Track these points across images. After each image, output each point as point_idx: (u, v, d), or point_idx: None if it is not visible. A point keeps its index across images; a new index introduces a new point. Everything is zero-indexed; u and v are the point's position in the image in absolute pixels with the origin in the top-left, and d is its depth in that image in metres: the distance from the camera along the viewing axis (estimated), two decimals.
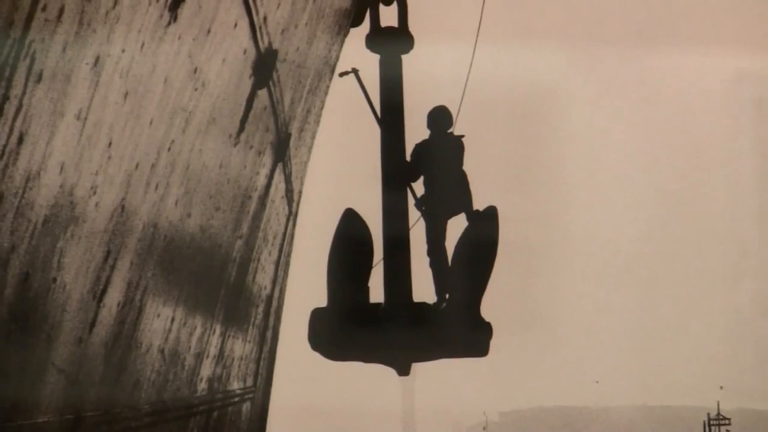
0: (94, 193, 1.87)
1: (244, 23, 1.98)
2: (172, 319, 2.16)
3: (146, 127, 1.93)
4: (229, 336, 2.57)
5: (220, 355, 2.44)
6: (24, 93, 1.80)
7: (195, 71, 1.92)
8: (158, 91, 1.93)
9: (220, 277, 2.34)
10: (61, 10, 1.59)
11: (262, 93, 2.37)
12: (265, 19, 2.13)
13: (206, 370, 2.37)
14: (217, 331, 2.44)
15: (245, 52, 1.98)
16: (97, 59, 1.78)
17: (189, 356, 2.14)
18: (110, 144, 1.89)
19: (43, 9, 1.59)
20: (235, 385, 2.78)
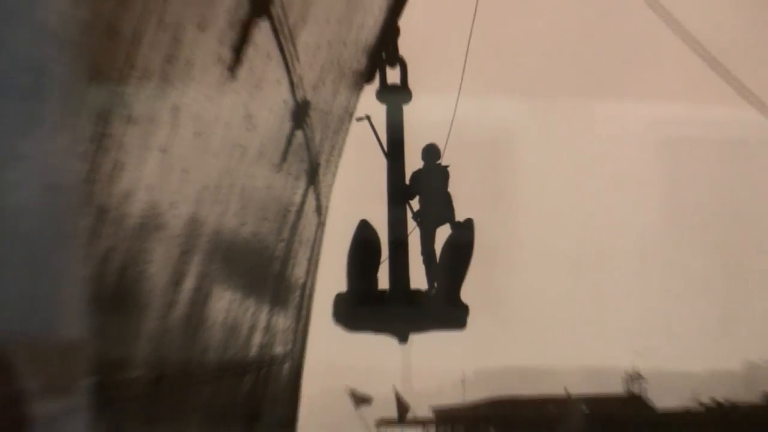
0: (173, 207, 1.91)
1: (285, 81, 2.00)
2: (231, 301, 2.18)
3: (211, 158, 1.96)
4: (273, 313, 2.56)
5: (267, 327, 2.43)
6: (121, 132, 1.82)
7: (248, 117, 1.95)
8: (220, 131, 1.98)
9: (267, 270, 2.33)
10: (148, 70, 1.60)
11: (299, 133, 2.40)
12: (300, 78, 2.15)
13: (257, 338, 2.37)
14: (265, 310, 2.44)
15: (285, 102, 1.99)
16: (175, 106, 1.81)
17: (244, 328, 2.15)
18: (185, 170, 1.93)
19: (134, 68, 1.60)
20: (278, 350, 2.78)
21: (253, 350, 1.95)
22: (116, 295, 1.85)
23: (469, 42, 1.70)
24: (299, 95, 1.87)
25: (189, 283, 1.80)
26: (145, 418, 1.86)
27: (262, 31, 1.71)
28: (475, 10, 1.89)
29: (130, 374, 1.89)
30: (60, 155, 1.57)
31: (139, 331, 1.85)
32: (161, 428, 1.85)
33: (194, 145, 1.70)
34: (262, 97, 1.81)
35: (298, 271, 2.31)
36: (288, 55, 1.75)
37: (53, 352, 1.59)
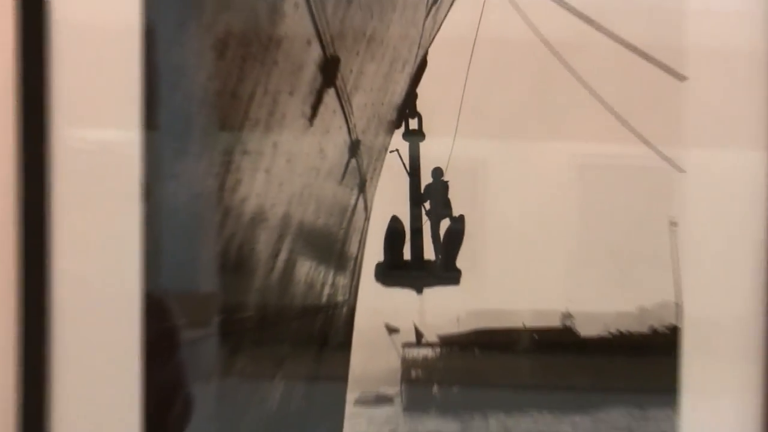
0: (272, 208, 1.94)
1: (344, 128, 2.04)
2: (310, 267, 2.25)
3: (297, 177, 2.00)
4: (336, 275, 2.64)
5: (332, 284, 2.48)
6: (239, 159, 1.83)
7: (321, 150, 2.00)
8: (303, 159, 1.99)
9: (333, 247, 2.38)
10: (257, 120, 1.60)
11: (353, 161, 2.48)
12: (354, 126, 2.21)
13: (326, 291, 2.41)
14: (331, 273, 2.50)
15: (345, 141, 2.04)
16: (274, 143, 1.82)
17: (318, 285, 2.21)
18: (280, 184, 1.97)
19: (248, 119, 1.60)
20: (340, 299, 2.86)
21: (324, 299, 1.96)
22: (236, 264, 1.91)
23: (461, 104, 1.74)
24: (353, 137, 1.91)
25: (282, 256, 1.83)
26: (253, 343, 1.92)
27: (330, 96, 1.76)
28: (465, 84, 1.91)
29: (244, 314, 1.92)
30: (200, 175, 1.57)
31: (250, 287, 1.89)
32: (264, 349, 1.90)
33: (286, 168, 1.73)
34: (329, 138, 1.82)
35: (353, 248, 2.31)
36: (346, 111, 1.78)
37: (195, 300, 1.65)
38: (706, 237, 1.71)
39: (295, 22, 1.57)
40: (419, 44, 1.64)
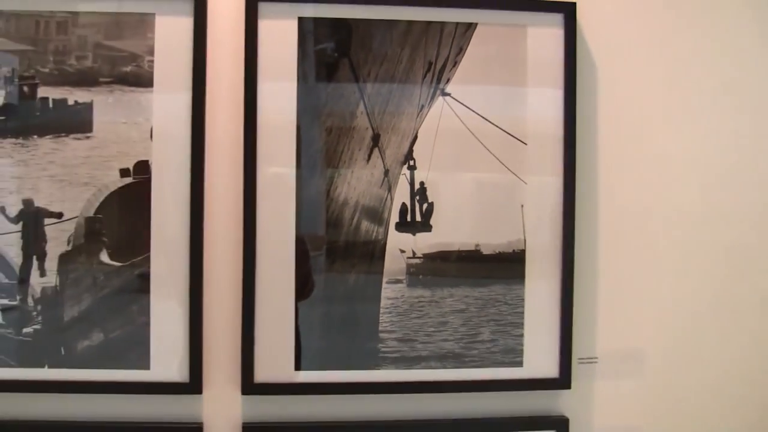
0: (350, 198, 2.28)
1: (381, 164, 2.21)
2: (367, 224, 2.19)
3: (361, 185, 2.33)
4: (379, 228, 2.66)
5: (377, 232, 2.53)
6: (336, 179, 2.30)
7: (371, 174, 2.31)
8: (364, 177, 2.33)
9: (377, 215, 2.48)
10: (344, 161, 2.22)
11: (385, 179, 2.38)
12: (386, 163, 2.21)
13: (374, 235, 2.50)
14: (377, 227, 2.53)
15: (381, 170, 2.07)
16: (351, 171, 2.34)
17: (370, 232, 2.12)
18: (354, 188, 2.29)
19: (341, 161, 2.22)
20: (380, 238, 2.78)
21: (373, 237, 2.21)
22: (334, 222, 2.23)
23: (432, 155, 2.03)
24: (386, 168, 2.20)
25: (355, 219, 2.26)
26: (341, 257, 2.28)
27: (375, 151, 2.25)
28: (433, 145, 2.15)
29: (337, 244, 2.26)
30: (319, 185, 2.22)
31: (340, 232, 2.24)
32: (346, 260, 2.27)
33: (356, 181, 2.26)
34: (375, 168, 2.27)
35: (386, 216, 2.51)
36: (383, 157, 2.27)
37: (316, 238, 2.21)
38: (539, 206, 2.28)
39: (361, 119, 2.22)
40: (414, 127, 2.25)
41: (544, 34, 2.24)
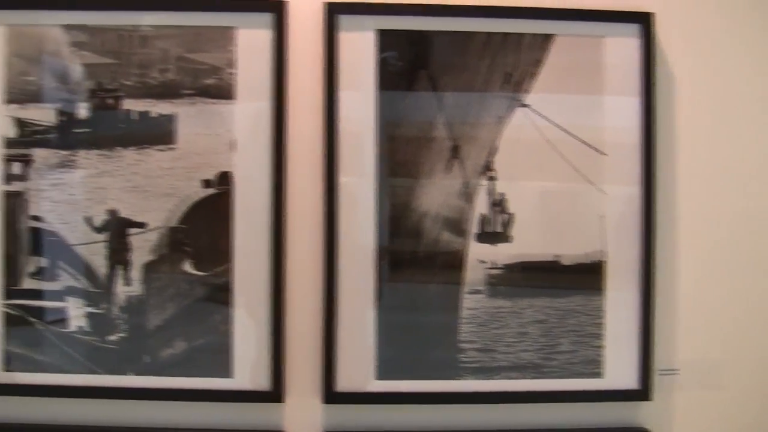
0: (431, 209, 2.28)
1: (461, 175, 2.19)
2: (448, 234, 2.17)
3: (441, 195, 2.32)
4: (459, 237, 2.45)
5: (457, 242, 2.44)
6: (419, 190, 2.29)
7: (451, 184, 2.29)
8: (444, 188, 2.32)
9: (457, 226, 2.25)
10: (426, 172, 2.21)
11: (465, 189, 1.60)
12: (466, 174, 2.17)
13: (454, 245, 2.22)
14: (457, 237, 2.46)
15: (462, 180, 1.97)
16: (433, 181, 2.32)
17: (451, 242, 1.84)
18: (434, 198, 2.30)
19: (423, 171, 2.21)
20: (460, 248, 2.54)
21: (453, 248, 2.14)
22: (416, 232, 2.21)
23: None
24: (465, 179, 2.08)
25: (435, 229, 2.23)
26: (423, 266, 2.26)
27: (455, 162, 2.23)
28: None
29: (419, 253, 2.24)
30: (401, 196, 2.28)
31: (421, 242, 2.23)
32: (427, 270, 2.26)
33: (437, 191, 2.24)
34: (455, 179, 2.24)
35: (466, 227, 2.39)
36: (463, 168, 2.24)
37: (399, 248, 2.22)
38: (618, 216, 2.25)
39: (440, 130, 2.20)
40: (493, 138, 2.22)
41: (621, 44, 2.23)
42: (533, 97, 2.22)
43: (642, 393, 2.25)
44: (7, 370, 2.20)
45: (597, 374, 2.24)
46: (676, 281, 2.27)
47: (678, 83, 2.26)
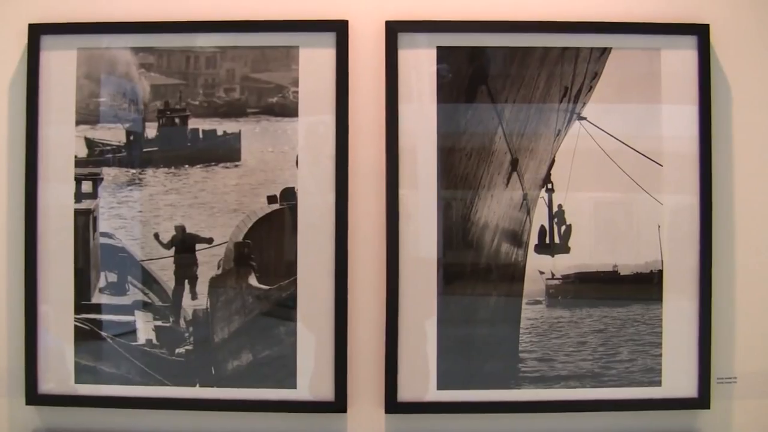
0: (490, 221, 2.26)
1: (520, 188, 2.21)
2: (507, 246, 2.18)
3: (500, 208, 2.26)
4: (519, 250, 2.31)
5: (516, 253, 2.06)
6: (476, 202, 2.27)
7: (510, 197, 2.26)
8: (503, 200, 2.28)
9: (516, 238, 1.75)
10: (484, 185, 2.20)
11: (524, 201, 2.18)
12: (525, 187, 2.16)
13: (514, 256, 1.93)
14: (516, 249, 2.05)
15: (521, 193, 1.90)
16: (492, 194, 2.29)
17: (510, 253, 1.52)
18: (494, 212, 2.28)
19: (480, 184, 2.18)
20: (520, 260, 2.36)
21: (512, 259, 2.05)
22: (476, 245, 2.21)
23: (569, 179, 1.83)
24: (524, 192, 1.66)
25: (495, 241, 2.23)
26: (481, 278, 2.25)
27: (514, 175, 2.22)
28: (570, 169, 1.96)
29: (480, 266, 2.26)
30: (462, 209, 2.28)
31: (482, 254, 2.23)
32: (489, 283, 2.25)
33: (496, 204, 2.23)
34: (514, 192, 2.23)
35: (525, 238, 2.25)
36: (521, 181, 2.24)
37: (460, 259, 2.22)
38: (676, 226, 2.23)
39: (499, 144, 2.20)
40: (551, 151, 2.21)
41: (678, 56, 2.23)
42: (590, 108, 2.23)
43: (700, 401, 2.23)
44: (77, 383, 2.23)
45: (656, 383, 2.23)
46: (735, 290, 2.24)
47: (735, 92, 2.25)
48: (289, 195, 2.23)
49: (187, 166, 2.24)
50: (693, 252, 2.22)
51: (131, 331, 2.23)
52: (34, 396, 2.20)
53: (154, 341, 2.23)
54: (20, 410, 2.22)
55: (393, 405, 2.20)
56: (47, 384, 2.21)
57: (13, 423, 2.21)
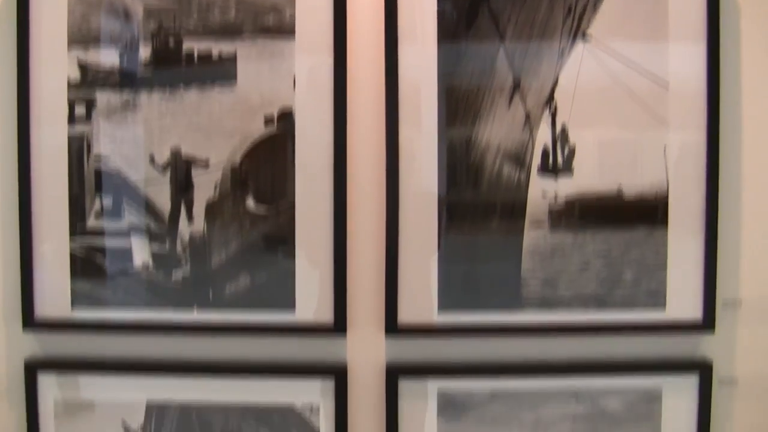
0: (492, 142, 2.23)
1: (522, 108, 2.18)
2: (509, 169, 2.17)
3: (502, 129, 2.22)
4: (521, 172, 2.27)
5: (519, 176, 2.22)
6: (478, 125, 2.21)
7: (513, 117, 2.20)
8: (506, 120, 2.23)
9: (518, 159, 2.02)
10: (486, 109, 2.15)
11: (527, 122, 1.74)
12: (527, 106, 2.14)
13: (516, 179, 1.99)
14: (518, 171, 2.26)
15: (522, 113, 1.55)
16: (494, 114, 2.22)
17: (512, 176, 1.80)
18: (496, 131, 2.25)
19: (483, 107, 2.12)
20: (523, 182, 2.41)
21: (515, 183, 1.95)
22: (474, 171, 2.15)
23: (572, 103, 1.79)
24: (526, 111, 2.17)
25: (497, 163, 2.17)
26: (483, 203, 2.20)
27: (516, 95, 2.18)
28: (573, 95, 1.90)
29: (478, 198, 2.19)
30: (465, 131, 2.19)
31: (482, 180, 2.19)
32: (489, 205, 2.20)
33: (498, 125, 2.21)
34: (517, 111, 2.17)
35: (528, 159, 2.10)
36: (524, 101, 2.22)
37: (460, 182, 2.11)
38: (679, 142, 2.17)
39: (501, 65, 2.17)
40: (555, 72, 2.18)
41: None
42: (595, 28, 2.18)
43: (705, 325, 2.19)
44: (74, 308, 2.20)
45: (660, 306, 2.18)
46: (741, 213, 2.20)
47: (744, 17, 2.19)
48: (286, 117, 2.18)
49: (182, 88, 2.18)
50: (699, 173, 2.17)
51: (128, 256, 2.20)
52: (31, 321, 2.18)
53: (151, 266, 2.20)
54: (17, 336, 2.21)
55: (393, 327, 2.16)
56: (44, 309, 2.19)
57: (11, 349, 2.21)
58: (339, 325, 2.16)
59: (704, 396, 2.16)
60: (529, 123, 2.17)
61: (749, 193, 2.18)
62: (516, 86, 2.17)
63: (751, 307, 2.20)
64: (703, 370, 2.18)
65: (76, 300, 2.19)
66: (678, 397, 2.18)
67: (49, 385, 2.17)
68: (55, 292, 2.16)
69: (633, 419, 2.19)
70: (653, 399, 2.18)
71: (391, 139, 2.12)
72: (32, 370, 2.16)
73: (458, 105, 2.14)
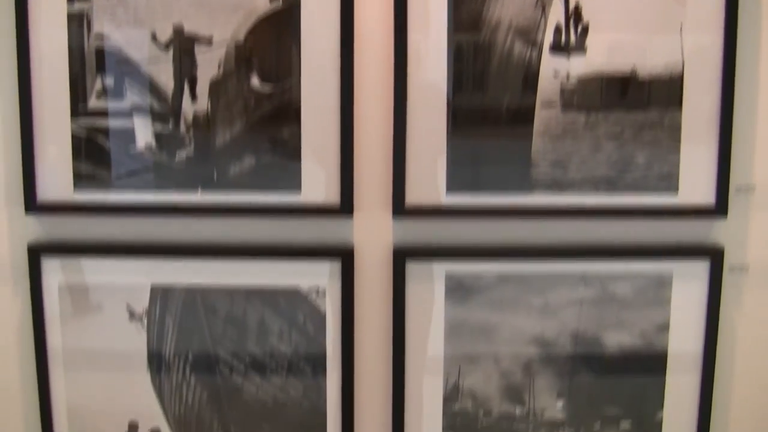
0: (503, 19, 2.19)
1: None
2: (519, 47, 2.13)
3: (514, 8, 2.17)
4: (533, 51, 2.29)
5: (530, 56, 2.21)
6: (489, 3, 2.11)
7: (523, 2, 2.11)
8: (519, 4, 2.14)
9: (529, 37, 2.13)
10: None
11: (537, 6, 2.11)
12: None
13: (527, 58, 2.19)
14: (530, 49, 2.20)
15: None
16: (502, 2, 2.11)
17: (523, 57, 1.81)
18: (508, 9, 2.19)
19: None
20: (534, 60, 2.39)
21: (525, 63, 1.97)
22: (484, 50, 2.10)
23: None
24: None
25: (507, 45, 2.13)
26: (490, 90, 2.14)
27: None
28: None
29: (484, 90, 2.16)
30: (466, 8, 2.09)
31: (491, 58, 2.12)
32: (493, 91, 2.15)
33: (509, 3, 2.15)
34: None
35: (540, 37, 2.08)
36: None
37: (469, 62, 2.09)
38: (696, 19, 2.12)
39: None
40: None
41: None
42: None
43: (718, 209, 2.16)
44: (76, 190, 2.18)
45: (673, 189, 2.15)
46: (758, 90, 2.13)
47: None
48: None
49: None
50: (716, 50, 2.09)
51: (130, 137, 2.16)
52: (33, 204, 2.14)
53: (154, 146, 2.16)
54: (20, 219, 2.18)
55: (401, 208, 2.13)
56: (46, 192, 2.15)
57: (13, 232, 2.19)
58: (345, 207, 2.13)
59: (714, 282, 2.14)
60: (542, 0, 2.11)
61: (767, 75, 2.11)
62: None
63: (764, 193, 2.17)
64: (714, 256, 2.15)
65: (79, 182, 2.17)
66: (688, 282, 2.16)
67: (52, 269, 2.15)
68: (56, 175, 2.14)
69: (642, 304, 2.16)
70: (663, 284, 2.15)
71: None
72: (35, 254, 2.14)
73: None
